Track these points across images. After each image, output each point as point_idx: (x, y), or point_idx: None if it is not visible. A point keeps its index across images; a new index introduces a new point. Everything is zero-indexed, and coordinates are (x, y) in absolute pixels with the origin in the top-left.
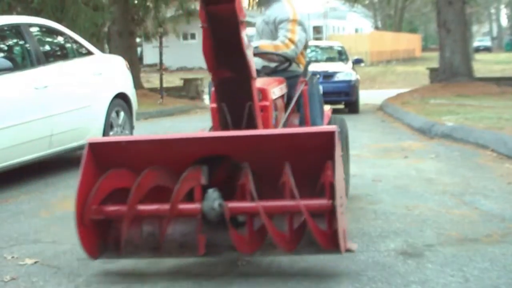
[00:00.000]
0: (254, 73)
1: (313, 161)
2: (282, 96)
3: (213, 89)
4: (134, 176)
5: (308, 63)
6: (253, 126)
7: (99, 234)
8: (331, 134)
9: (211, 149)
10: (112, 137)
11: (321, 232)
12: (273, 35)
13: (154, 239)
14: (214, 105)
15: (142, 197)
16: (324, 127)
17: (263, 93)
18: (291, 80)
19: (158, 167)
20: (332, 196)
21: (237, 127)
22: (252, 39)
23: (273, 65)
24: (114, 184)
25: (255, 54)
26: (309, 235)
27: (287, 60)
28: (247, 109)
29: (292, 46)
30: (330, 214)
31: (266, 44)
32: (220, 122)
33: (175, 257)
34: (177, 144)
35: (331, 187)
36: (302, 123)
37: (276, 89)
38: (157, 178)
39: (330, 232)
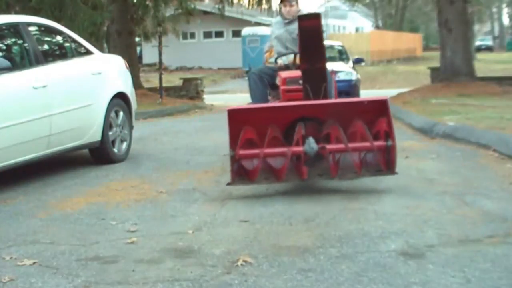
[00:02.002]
0: (326, 65)
1: (370, 118)
2: None
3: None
4: (255, 131)
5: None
6: (326, 99)
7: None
8: (386, 101)
9: (307, 112)
10: (240, 106)
11: (383, 161)
12: (295, 42)
13: (267, 171)
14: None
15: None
16: (380, 96)
17: None
18: None
19: (273, 124)
20: (386, 139)
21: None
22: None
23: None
24: (246, 136)
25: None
26: (366, 165)
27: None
28: (323, 88)
29: None
30: (384, 150)
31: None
32: (304, 96)
33: (285, 182)
34: (284, 110)
35: (386, 134)
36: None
37: None
38: (274, 132)
39: (385, 161)
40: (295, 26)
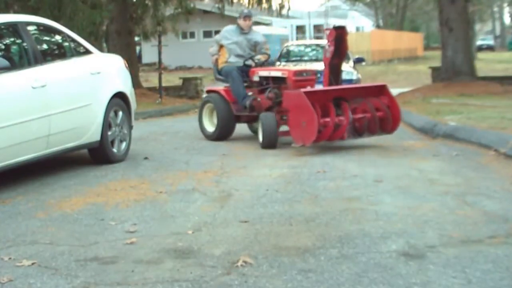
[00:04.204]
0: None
1: (374, 96)
2: None
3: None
4: (319, 106)
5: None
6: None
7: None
8: (385, 85)
9: (342, 93)
10: (311, 89)
11: (386, 124)
12: (251, 47)
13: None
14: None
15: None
16: (380, 82)
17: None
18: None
19: (329, 102)
20: (388, 110)
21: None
22: (223, 41)
23: (260, 61)
24: (320, 110)
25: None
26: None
27: (269, 59)
28: (341, 78)
29: (268, 55)
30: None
31: (262, 55)
32: (329, 84)
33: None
34: (333, 92)
35: (387, 107)
36: None
37: None
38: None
39: (388, 125)
40: (251, 36)
